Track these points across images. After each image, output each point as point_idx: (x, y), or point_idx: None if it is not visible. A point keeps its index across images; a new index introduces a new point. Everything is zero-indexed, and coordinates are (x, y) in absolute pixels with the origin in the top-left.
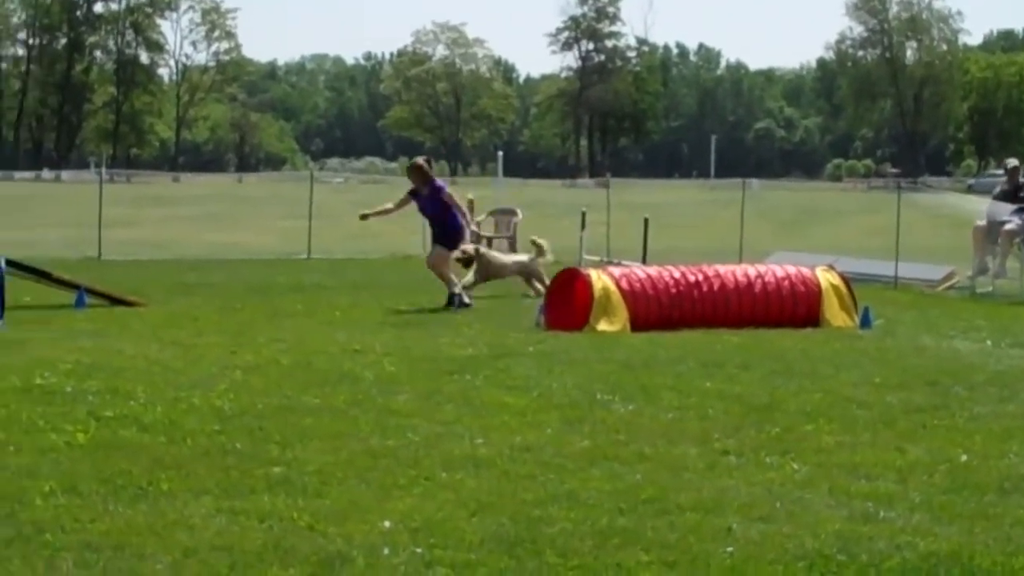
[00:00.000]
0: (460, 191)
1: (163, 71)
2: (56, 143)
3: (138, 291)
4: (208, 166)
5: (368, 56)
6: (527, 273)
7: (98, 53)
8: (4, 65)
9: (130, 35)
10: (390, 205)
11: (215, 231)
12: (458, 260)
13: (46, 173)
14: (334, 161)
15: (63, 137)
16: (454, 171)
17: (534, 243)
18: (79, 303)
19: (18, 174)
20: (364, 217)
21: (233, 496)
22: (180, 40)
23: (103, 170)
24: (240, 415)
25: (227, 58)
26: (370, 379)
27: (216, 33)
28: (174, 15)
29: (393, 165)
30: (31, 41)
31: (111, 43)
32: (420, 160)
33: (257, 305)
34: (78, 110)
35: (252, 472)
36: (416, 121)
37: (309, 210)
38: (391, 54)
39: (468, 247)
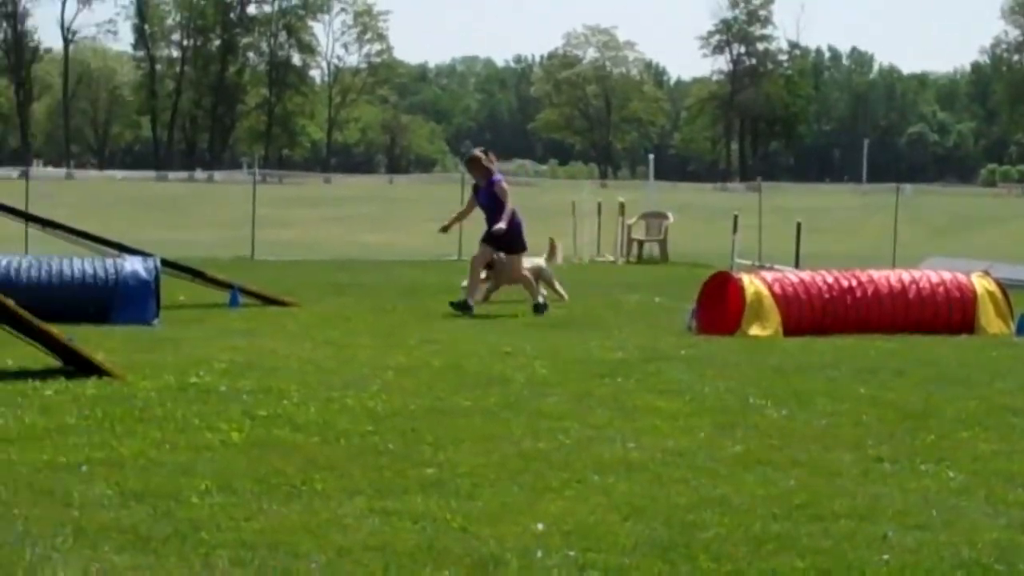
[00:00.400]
0: (610, 194)
1: (315, 73)
2: (209, 144)
3: (290, 291)
4: (359, 167)
5: (518, 59)
6: (541, 277)
7: (251, 55)
8: (159, 66)
9: (283, 37)
10: (463, 210)
11: (366, 232)
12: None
13: (199, 173)
14: None
15: (216, 138)
16: (604, 174)
17: (551, 242)
18: (233, 302)
19: (172, 174)
20: (444, 230)
21: (386, 496)
22: (332, 42)
23: (256, 171)
24: (393, 416)
25: (379, 60)
26: (521, 381)
27: (368, 35)
28: (326, 17)
29: (543, 168)
30: (185, 43)
31: (264, 45)
32: (477, 152)
33: (408, 306)
34: (231, 111)
35: (405, 473)
36: (566, 124)
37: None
38: (541, 57)
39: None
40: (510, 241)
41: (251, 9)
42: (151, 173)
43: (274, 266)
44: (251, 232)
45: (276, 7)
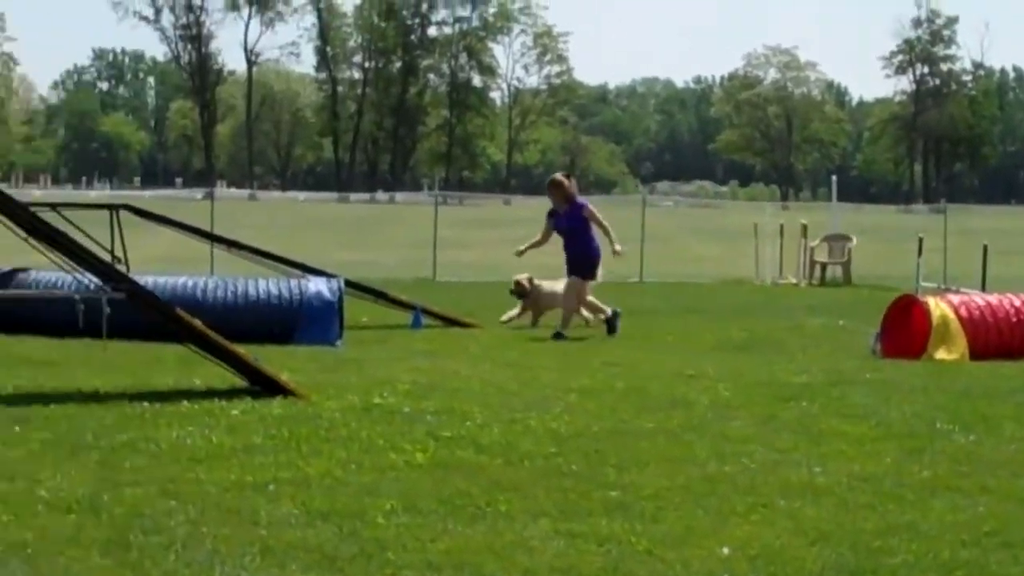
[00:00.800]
0: (791, 215)
1: (495, 94)
2: (390, 165)
3: (471, 312)
4: (539, 189)
5: (698, 79)
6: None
7: (432, 76)
8: (341, 88)
9: (463, 59)
10: (539, 237)
11: (545, 254)
12: (511, 292)
13: (380, 195)
14: (664, 184)
15: (397, 159)
16: (785, 195)
17: None
18: (415, 323)
19: (353, 195)
20: (520, 253)
21: (571, 518)
22: (512, 63)
23: (436, 192)
24: (576, 437)
25: (558, 81)
26: (705, 404)
27: (548, 56)
28: (507, 39)
29: (723, 189)
30: (367, 64)
31: (445, 67)
32: (560, 176)
33: (589, 328)
34: (412, 132)
35: (589, 495)
36: (746, 144)
37: (641, 233)
38: (722, 77)
39: (522, 277)
40: (583, 266)
41: (432, 31)
42: (333, 194)
43: (455, 287)
44: (432, 253)
45: (457, 29)
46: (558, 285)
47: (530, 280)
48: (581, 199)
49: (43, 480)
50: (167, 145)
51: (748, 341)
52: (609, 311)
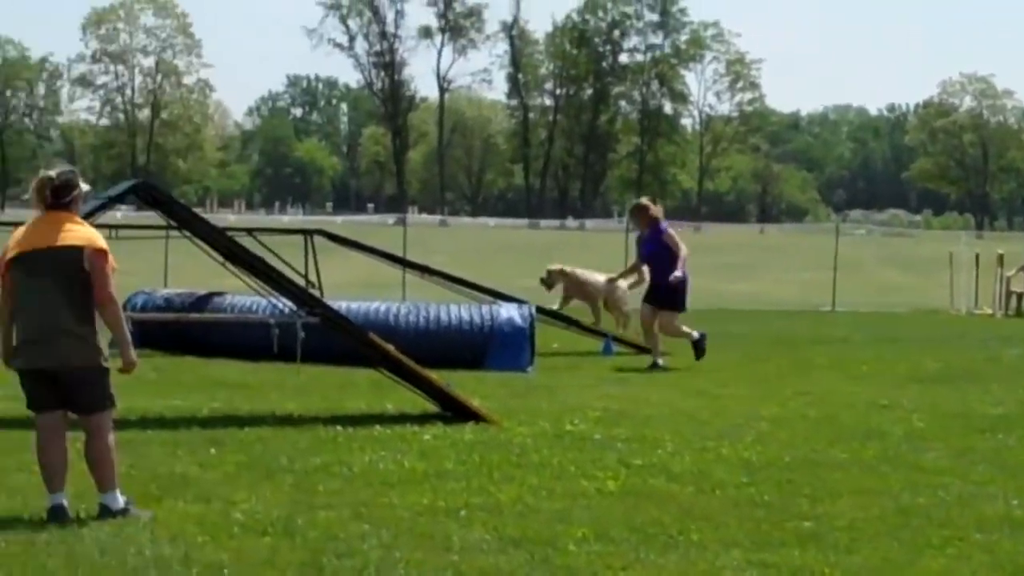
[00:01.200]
0: (987, 245)
1: (686, 121)
2: (581, 192)
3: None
4: (730, 216)
5: (891, 107)
6: (609, 299)
7: (623, 103)
8: (532, 115)
9: (655, 86)
10: (632, 265)
11: (736, 281)
12: (541, 281)
13: (571, 221)
14: (856, 213)
15: (588, 186)
16: (980, 224)
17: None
18: (606, 350)
19: (544, 222)
20: (612, 280)
21: (763, 549)
22: (704, 91)
23: (627, 219)
24: (767, 467)
25: (750, 109)
26: (899, 435)
27: (740, 84)
28: (698, 66)
29: (917, 218)
30: (558, 92)
31: (636, 94)
32: (644, 200)
33: (780, 357)
34: (602, 160)
35: (782, 525)
36: (940, 173)
37: (834, 262)
38: (916, 105)
39: (553, 267)
40: (667, 296)
41: (623, 58)
42: (523, 221)
43: None
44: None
45: (648, 56)
46: (594, 276)
47: (561, 271)
48: (664, 224)
49: (238, 502)
50: (359, 171)
51: (943, 372)
52: (661, 360)
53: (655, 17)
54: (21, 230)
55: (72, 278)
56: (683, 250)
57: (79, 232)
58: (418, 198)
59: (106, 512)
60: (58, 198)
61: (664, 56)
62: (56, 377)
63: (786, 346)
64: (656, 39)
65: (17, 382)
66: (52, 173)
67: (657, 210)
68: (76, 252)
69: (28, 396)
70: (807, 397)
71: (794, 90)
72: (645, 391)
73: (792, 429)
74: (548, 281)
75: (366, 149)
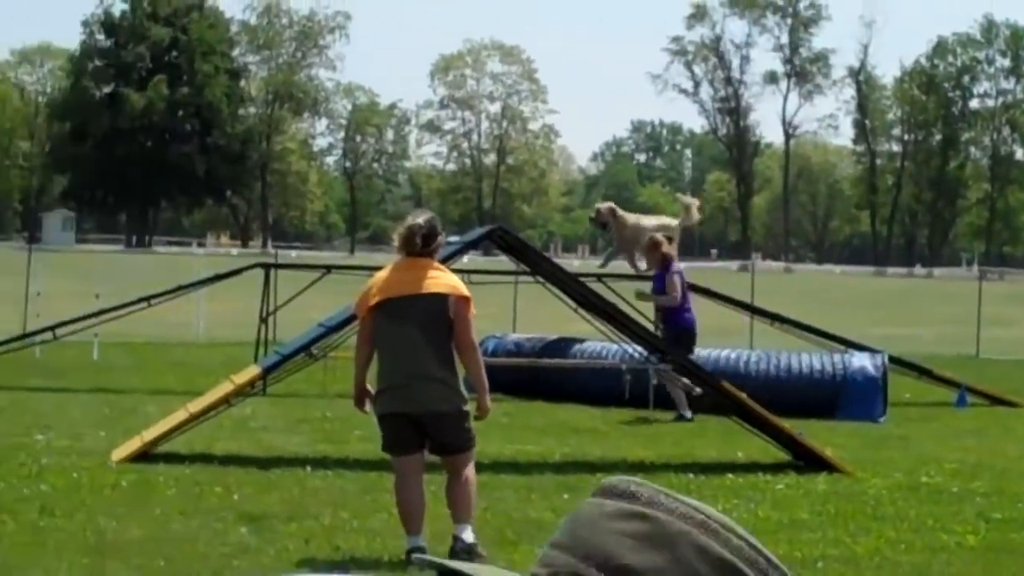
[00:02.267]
0: None
1: None
2: (928, 239)
3: (1018, 390)
4: None
5: None
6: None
7: (972, 149)
8: (879, 161)
9: (1006, 131)
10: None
11: None
12: (590, 219)
13: (918, 269)
14: None
15: (935, 233)
16: None
17: (680, 202)
18: (960, 402)
19: (890, 269)
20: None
21: None
22: None
23: (976, 267)
24: None
25: None
26: None
27: None
28: None
29: None
30: (906, 137)
31: (986, 139)
32: (659, 236)
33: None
34: (951, 206)
35: None
36: None
37: None
38: None
39: (603, 206)
40: (676, 338)
41: (973, 103)
42: (869, 268)
43: (999, 364)
44: (975, 330)
45: (999, 102)
46: (645, 219)
47: (612, 211)
48: (675, 265)
49: None
50: (703, 216)
51: None
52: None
53: (1007, 63)
54: (383, 275)
55: (438, 324)
56: (676, 300)
57: (444, 279)
58: (762, 244)
59: (459, 543)
60: (425, 245)
61: (1016, 102)
62: (419, 421)
63: None
64: (1008, 84)
65: (371, 424)
66: (420, 220)
67: (669, 249)
68: (442, 299)
69: (388, 439)
70: None
71: None
72: (1001, 443)
73: None
74: None
75: (710, 194)
